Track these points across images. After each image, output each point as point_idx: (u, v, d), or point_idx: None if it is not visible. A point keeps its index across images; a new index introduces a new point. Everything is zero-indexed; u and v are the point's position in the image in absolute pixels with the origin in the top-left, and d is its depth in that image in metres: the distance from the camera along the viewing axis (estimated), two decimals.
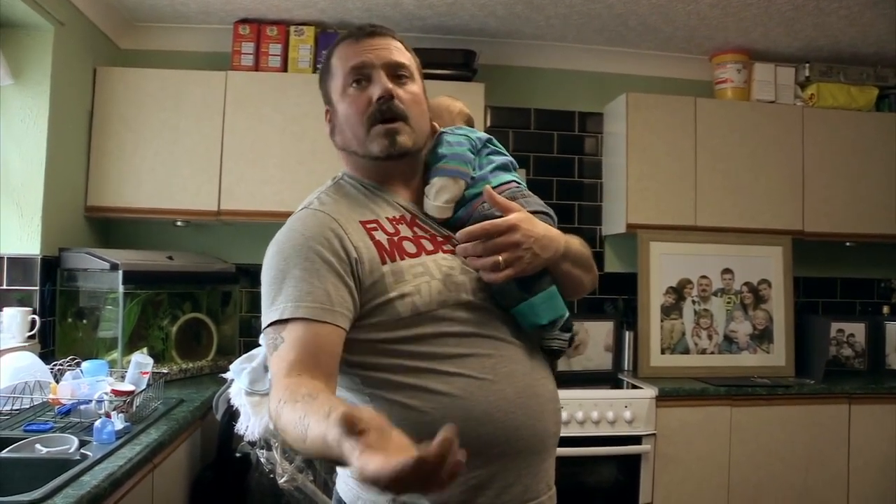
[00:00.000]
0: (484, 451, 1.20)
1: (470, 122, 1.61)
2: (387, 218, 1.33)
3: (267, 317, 1.20)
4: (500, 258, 1.25)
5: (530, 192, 1.48)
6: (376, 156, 1.34)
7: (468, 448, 0.97)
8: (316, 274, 1.20)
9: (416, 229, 1.34)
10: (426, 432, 0.92)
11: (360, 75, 1.34)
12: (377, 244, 1.27)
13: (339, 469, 1.32)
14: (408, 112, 1.34)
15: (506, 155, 1.51)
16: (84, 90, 3.16)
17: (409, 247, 1.29)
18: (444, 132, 1.47)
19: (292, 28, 3.39)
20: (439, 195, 1.38)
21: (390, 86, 1.33)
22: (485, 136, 1.51)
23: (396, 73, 1.36)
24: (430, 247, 1.31)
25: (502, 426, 1.22)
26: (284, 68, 3.38)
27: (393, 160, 1.34)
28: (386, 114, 1.32)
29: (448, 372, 1.22)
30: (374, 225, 1.30)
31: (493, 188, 1.36)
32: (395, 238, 1.29)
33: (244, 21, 3.40)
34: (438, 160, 1.41)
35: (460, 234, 1.29)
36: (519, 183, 1.48)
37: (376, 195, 1.37)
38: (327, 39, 3.42)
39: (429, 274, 1.26)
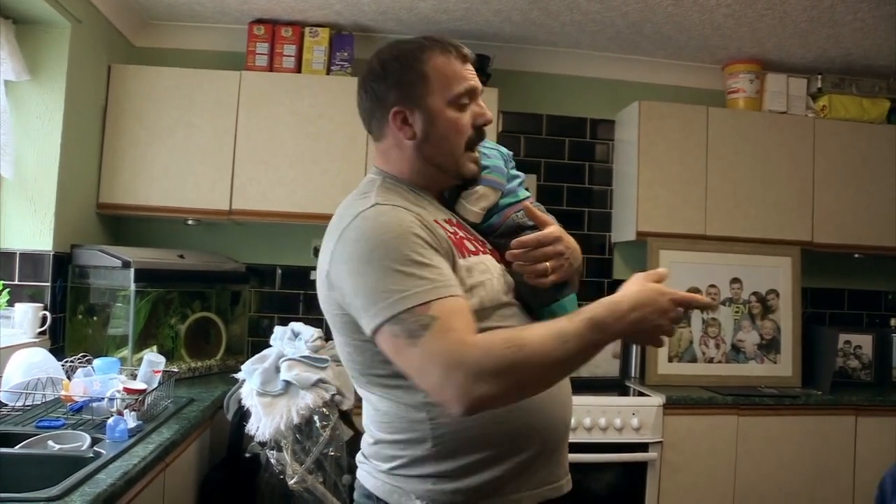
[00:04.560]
0: (526, 436, 1.32)
1: None
2: (443, 219, 1.39)
3: (395, 307, 1.19)
4: (548, 265, 1.38)
5: (542, 207, 1.57)
6: (465, 176, 1.44)
7: (510, 436, 1.30)
8: (429, 255, 1.25)
9: (465, 231, 1.43)
10: (475, 423, 1.24)
11: (469, 98, 1.40)
12: (449, 239, 1.34)
13: (367, 465, 1.40)
14: None
15: (520, 172, 1.63)
16: (98, 87, 3.17)
17: (469, 245, 1.38)
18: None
19: (307, 29, 3.40)
20: (479, 202, 1.48)
21: (491, 115, 1.44)
22: (508, 151, 1.60)
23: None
24: (481, 247, 1.42)
25: (539, 415, 1.34)
26: (298, 69, 3.38)
27: (465, 181, 1.46)
28: (482, 137, 1.44)
29: None
30: (437, 223, 1.36)
31: (519, 201, 1.51)
32: (456, 236, 1.37)
33: (259, 21, 3.41)
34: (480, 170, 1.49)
35: (516, 242, 1.39)
36: (532, 198, 1.60)
37: (423, 198, 1.42)
38: (342, 41, 3.43)
39: (489, 272, 1.36)
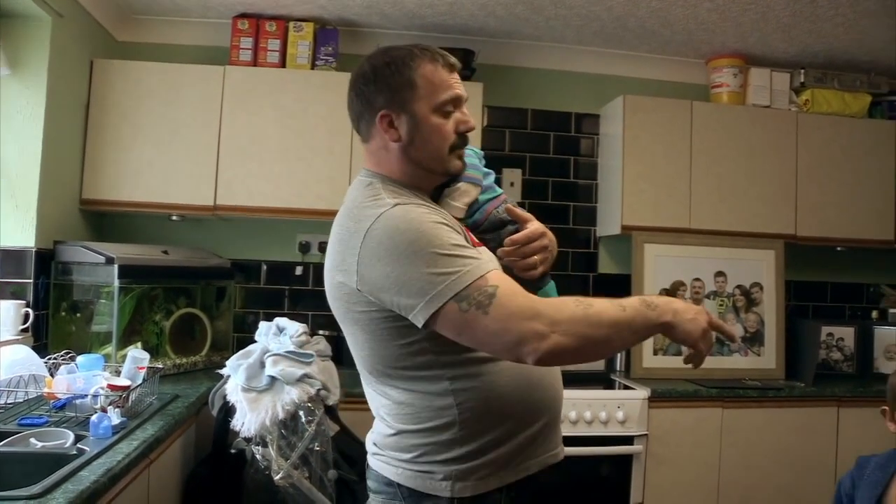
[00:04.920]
0: (538, 408, 1.47)
1: None
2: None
3: (455, 286, 1.28)
4: (537, 258, 1.52)
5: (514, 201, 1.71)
6: (451, 173, 1.52)
7: (529, 410, 1.46)
8: (462, 240, 1.37)
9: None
10: (500, 402, 1.41)
11: (454, 105, 1.48)
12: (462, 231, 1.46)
13: (384, 455, 1.49)
14: None
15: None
16: (81, 82, 3.14)
17: (473, 237, 1.50)
18: None
19: (291, 24, 3.38)
20: (462, 197, 1.59)
21: (474, 123, 1.52)
22: (479, 150, 1.73)
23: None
24: (475, 242, 1.51)
25: (550, 390, 1.50)
26: (283, 64, 3.37)
27: (452, 176, 1.55)
28: (465, 143, 1.52)
29: None
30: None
31: (496, 197, 1.65)
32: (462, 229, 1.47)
33: (243, 16, 3.39)
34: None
35: (509, 240, 1.52)
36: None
37: (422, 198, 1.49)
38: (326, 36, 3.42)
39: (493, 261, 1.46)
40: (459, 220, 1.55)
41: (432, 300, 1.27)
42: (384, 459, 1.48)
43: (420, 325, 1.31)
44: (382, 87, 1.45)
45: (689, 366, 1.39)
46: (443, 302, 1.27)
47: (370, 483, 1.52)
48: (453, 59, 1.49)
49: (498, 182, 1.72)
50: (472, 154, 1.64)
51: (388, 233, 1.32)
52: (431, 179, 1.53)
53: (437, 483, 1.41)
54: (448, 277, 1.28)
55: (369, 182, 1.48)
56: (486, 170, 1.68)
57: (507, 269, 1.48)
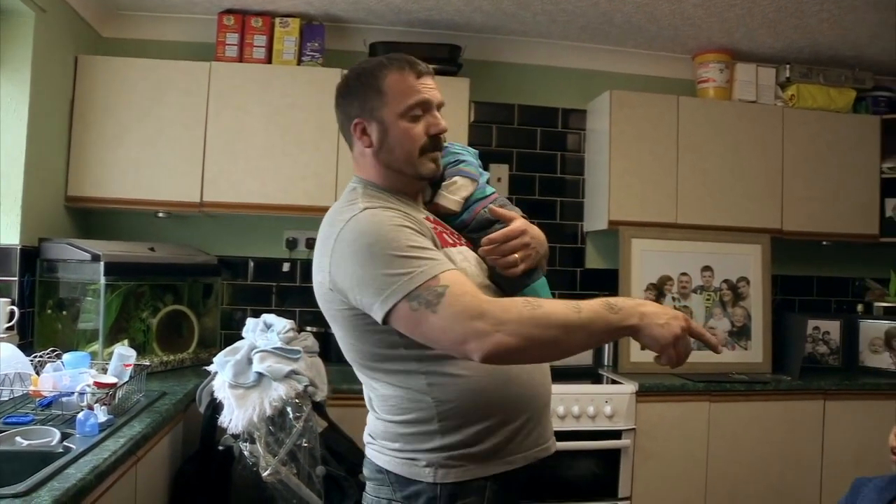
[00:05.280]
0: (518, 406, 1.51)
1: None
2: (422, 218, 1.55)
3: (408, 286, 1.34)
4: (517, 256, 1.54)
5: (507, 200, 1.74)
6: (424, 176, 1.58)
7: (508, 405, 1.49)
8: (423, 241, 1.42)
9: (440, 227, 1.59)
10: (475, 397, 1.45)
11: (423, 109, 1.55)
12: (433, 231, 1.51)
13: (376, 444, 1.56)
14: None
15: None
16: (65, 79, 3.12)
17: (447, 238, 1.55)
18: (446, 145, 1.70)
19: (277, 20, 3.37)
20: (458, 191, 1.66)
21: (445, 125, 1.57)
22: (474, 151, 1.78)
23: (440, 110, 1.60)
24: (458, 240, 1.59)
25: (530, 385, 1.53)
26: (269, 60, 3.35)
27: (427, 180, 1.61)
28: (437, 146, 1.58)
29: None
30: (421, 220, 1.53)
31: (487, 196, 1.68)
32: (435, 230, 1.53)
33: (229, 11, 3.37)
34: (455, 164, 1.68)
35: (485, 240, 1.57)
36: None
37: (402, 201, 1.57)
38: (312, 31, 3.41)
39: (467, 260, 1.53)
40: (452, 215, 1.65)
41: (387, 299, 1.35)
42: (376, 448, 1.56)
43: (381, 323, 1.38)
44: (355, 97, 1.57)
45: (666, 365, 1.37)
46: (395, 301, 1.34)
47: (364, 471, 1.61)
48: (423, 66, 1.57)
49: (486, 179, 1.76)
50: (467, 154, 1.72)
51: (354, 235, 1.42)
52: (408, 182, 1.59)
53: (421, 469, 1.48)
54: (401, 278, 1.34)
55: (353, 187, 1.59)
56: (480, 170, 1.73)
57: (493, 269, 1.57)
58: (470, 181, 1.67)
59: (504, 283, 1.58)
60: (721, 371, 3.49)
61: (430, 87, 1.57)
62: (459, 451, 1.47)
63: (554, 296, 1.58)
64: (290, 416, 2.42)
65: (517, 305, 1.31)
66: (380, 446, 1.55)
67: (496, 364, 1.36)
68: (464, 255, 1.54)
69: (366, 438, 1.62)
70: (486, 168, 1.81)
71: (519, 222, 1.59)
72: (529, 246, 1.57)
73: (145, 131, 3.19)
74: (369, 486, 1.59)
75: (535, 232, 1.61)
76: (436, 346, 1.38)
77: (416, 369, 1.47)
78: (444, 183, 1.67)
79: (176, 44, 3.53)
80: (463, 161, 1.69)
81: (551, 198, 3.88)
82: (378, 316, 1.37)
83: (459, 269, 1.43)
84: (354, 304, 1.42)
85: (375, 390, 1.55)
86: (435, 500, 1.47)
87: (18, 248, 2.77)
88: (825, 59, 3.80)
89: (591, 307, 1.31)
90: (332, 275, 1.44)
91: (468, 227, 1.65)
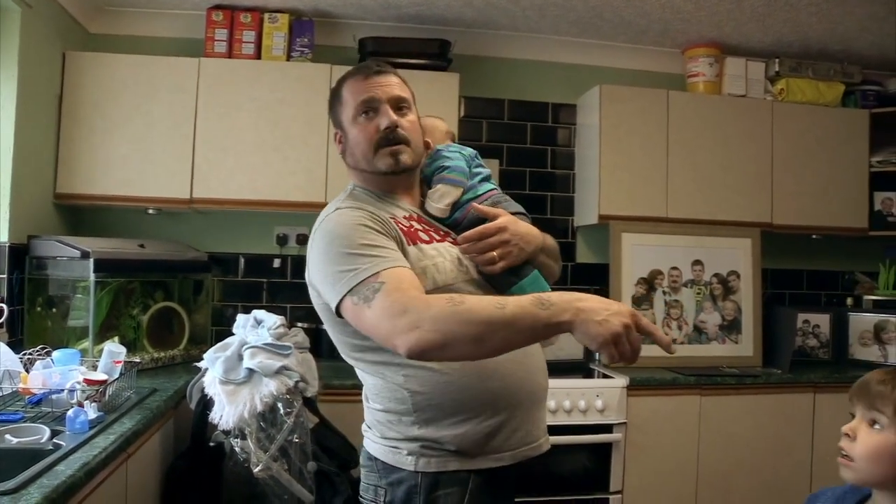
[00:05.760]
0: (495, 402, 1.51)
1: (454, 138, 1.93)
2: (401, 216, 1.61)
3: (351, 281, 1.40)
4: (496, 254, 1.56)
5: (508, 197, 1.77)
6: (383, 171, 1.63)
7: (484, 400, 1.49)
8: (378, 240, 1.47)
9: (423, 224, 1.64)
10: (449, 391, 1.48)
11: (369, 108, 1.62)
12: (401, 230, 1.55)
13: (370, 433, 1.62)
14: (409, 137, 1.63)
15: (486, 167, 1.82)
16: (53, 75, 3.10)
17: (423, 235, 1.59)
18: (439, 149, 1.78)
19: (266, 15, 3.35)
20: (442, 199, 1.69)
21: (395, 118, 1.61)
22: (472, 151, 1.81)
23: (398, 105, 1.64)
24: (437, 237, 1.62)
25: (510, 381, 1.53)
26: (258, 56, 3.34)
27: (397, 175, 1.64)
28: (392, 140, 1.61)
29: None
30: (392, 218, 1.58)
31: (480, 195, 1.71)
32: (411, 229, 1.59)
33: (217, 7, 3.35)
34: (441, 171, 1.72)
35: (460, 238, 1.61)
36: (498, 190, 1.79)
37: (386, 201, 1.65)
38: (302, 27, 3.40)
39: (442, 256, 1.56)
40: (443, 220, 1.69)
41: (336, 294, 1.43)
42: (370, 436, 1.63)
43: (336, 313, 1.47)
44: (331, 110, 1.71)
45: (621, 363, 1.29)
46: (341, 295, 1.42)
47: (360, 458, 1.67)
48: (376, 67, 1.66)
49: (484, 177, 1.79)
50: (459, 157, 1.75)
51: (321, 234, 1.53)
52: (380, 181, 1.65)
53: (404, 458, 1.53)
54: (347, 274, 1.41)
55: (346, 189, 1.70)
56: (476, 170, 1.77)
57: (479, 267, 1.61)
58: (454, 187, 1.70)
59: (492, 280, 1.60)
60: (712, 365, 3.50)
61: (381, 84, 1.63)
62: (437, 443, 1.51)
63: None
64: (281, 411, 2.42)
65: (440, 303, 1.32)
66: (372, 434, 1.61)
67: (421, 360, 1.39)
68: (439, 251, 1.57)
69: (363, 428, 1.67)
70: None
71: (500, 220, 1.61)
72: (510, 243, 1.58)
73: (134, 127, 3.18)
74: (362, 473, 1.65)
75: (521, 229, 1.62)
76: (375, 340, 1.43)
77: (391, 360, 1.51)
78: (429, 191, 1.72)
79: (164, 40, 3.51)
80: (447, 168, 1.72)
81: (542, 192, 3.88)
82: (333, 309, 1.46)
83: (421, 266, 1.49)
84: (323, 298, 1.51)
85: (364, 380, 1.63)
86: (416, 487, 1.51)
87: (7, 245, 2.76)
88: (814, 53, 3.81)
89: (518, 303, 1.29)
90: (308, 270, 1.56)
91: (461, 225, 1.68)
